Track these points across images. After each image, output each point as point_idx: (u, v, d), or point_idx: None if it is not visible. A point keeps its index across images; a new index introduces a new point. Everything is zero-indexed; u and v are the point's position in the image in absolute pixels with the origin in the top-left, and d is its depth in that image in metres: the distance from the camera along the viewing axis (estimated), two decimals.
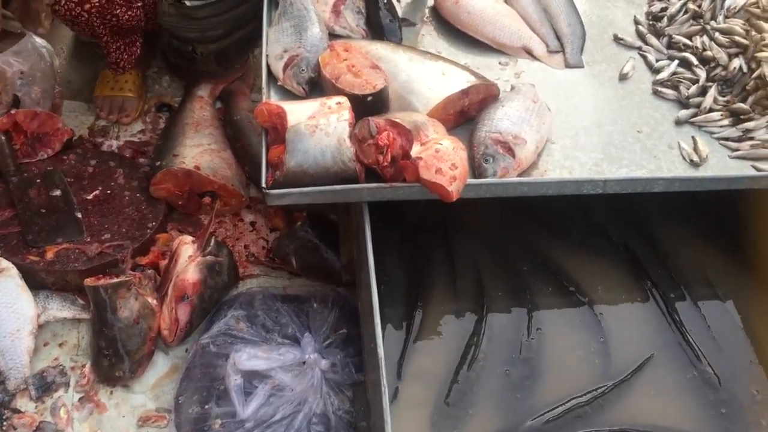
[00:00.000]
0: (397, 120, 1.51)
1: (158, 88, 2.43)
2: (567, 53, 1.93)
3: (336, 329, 1.76)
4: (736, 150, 1.73)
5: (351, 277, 1.87)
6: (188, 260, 1.80)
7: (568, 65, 1.91)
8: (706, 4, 1.96)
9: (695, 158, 1.69)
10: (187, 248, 1.83)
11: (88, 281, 1.72)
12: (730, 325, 1.76)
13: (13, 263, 1.80)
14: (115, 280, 1.72)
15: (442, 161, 1.46)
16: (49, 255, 1.84)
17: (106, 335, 1.71)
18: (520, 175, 1.60)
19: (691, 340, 1.68)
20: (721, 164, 1.71)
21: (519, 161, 1.59)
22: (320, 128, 1.50)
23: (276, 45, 1.75)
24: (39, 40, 2.18)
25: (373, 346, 1.42)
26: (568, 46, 1.94)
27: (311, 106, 1.55)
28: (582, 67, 1.92)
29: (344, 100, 1.56)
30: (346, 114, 1.53)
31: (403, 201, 1.55)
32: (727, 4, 1.93)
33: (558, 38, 1.96)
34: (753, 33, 1.84)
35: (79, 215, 1.93)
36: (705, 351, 1.67)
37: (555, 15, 1.99)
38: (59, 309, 1.81)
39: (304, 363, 1.68)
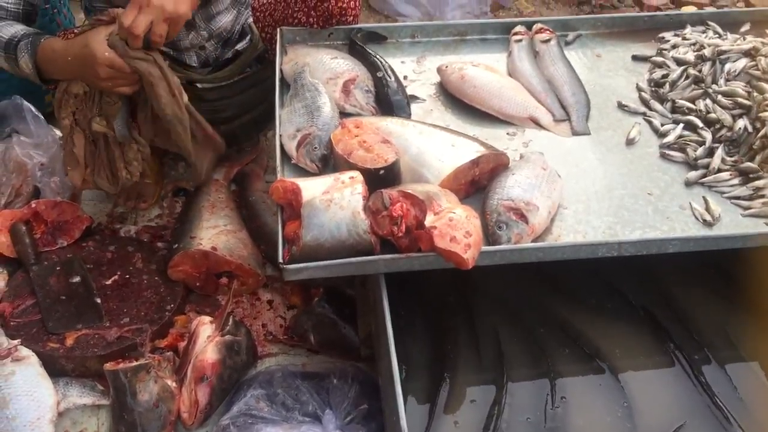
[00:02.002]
0: (410, 191, 1.53)
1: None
2: (573, 121, 1.96)
3: (357, 405, 1.74)
4: (749, 208, 1.74)
5: (370, 351, 1.86)
6: (207, 340, 1.80)
7: (574, 133, 1.94)
8: (706, 69, 2.00)
9: (708, 218, 1.70)
10: (205, 329, 1.83)
11: (108, 366, 1.72)
12: (757, 385, 1.71)
13: (33, 351, 1.80)
14: (135, 363, 1.72)
15: (456, 229, 1.47)
16: (69, 341, 1.85)
17: (126, 420, 1.70)
18: (534, 241, 1.61)
19: (720, 403, 1.64)
20: (735, 223, 1.71)
21: (532, 227, 1.60)
22: (335, 202, 1.52)
23: (289, 125, 1.79)
24: (58, 133, 2.25)
25: (395, 419, 1.40)
26: (574, 114, 1.98)
27: (325, 181, 1.58)
28: (588, 134, 1.94)
29: (357, 174, 1.58)
30: (360, 187, 1.55)
31: (419, 271, 1.56)
32: (727, 68, 1.98)
33: (563, 107, 2.00)
34: (755, 94, 1.88)
35: (99, 300, 1.95)
36: (735, 414, 1.62)
37: (559, 86, 2.04)
38: (79, 395, 1.80)
39: None
